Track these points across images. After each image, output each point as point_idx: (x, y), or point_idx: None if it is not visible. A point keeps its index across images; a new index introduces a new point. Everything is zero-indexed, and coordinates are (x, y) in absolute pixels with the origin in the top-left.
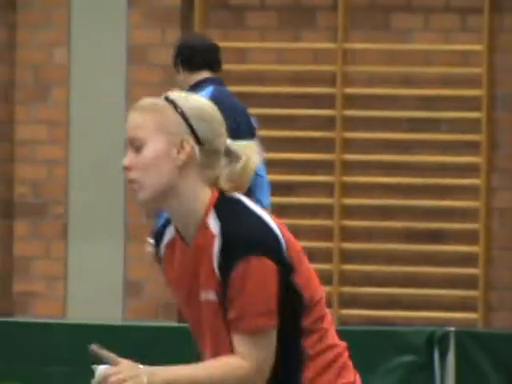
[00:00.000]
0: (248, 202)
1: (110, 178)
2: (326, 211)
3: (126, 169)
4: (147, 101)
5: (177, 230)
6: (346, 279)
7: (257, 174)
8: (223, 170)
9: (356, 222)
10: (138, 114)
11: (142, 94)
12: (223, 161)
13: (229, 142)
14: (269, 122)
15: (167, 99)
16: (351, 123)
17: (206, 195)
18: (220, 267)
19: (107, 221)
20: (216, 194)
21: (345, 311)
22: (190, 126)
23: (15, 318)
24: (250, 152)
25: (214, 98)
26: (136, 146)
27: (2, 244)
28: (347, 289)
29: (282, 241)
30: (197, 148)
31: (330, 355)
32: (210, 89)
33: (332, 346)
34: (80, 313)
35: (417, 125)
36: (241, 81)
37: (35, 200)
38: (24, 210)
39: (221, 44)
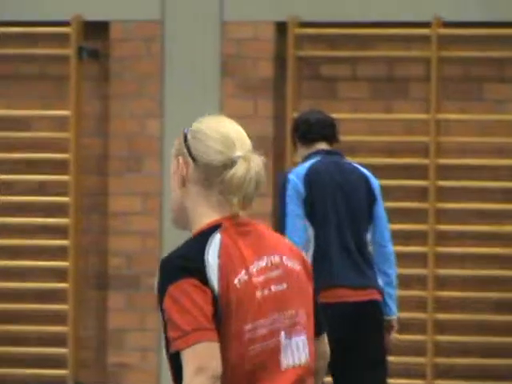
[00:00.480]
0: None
1: None
2: (419, 282)
3: None
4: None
5: None
6: (441, 350)
7: (380, 245)
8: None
9: (450, 292)
10: None
11: None
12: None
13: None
14: None
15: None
16: (444, 193)
17: (208, 219)
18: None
19: None
20: (215, 222)
21: (439, 382)
22: (186, 145)
23: None
24: (249, 161)
25: (309, 171)
26: None
27: (97, 315)
28: (441, 360)
29: (212, 268)
30: (191, 164)
31: None
32: (312, 160)
33: None
34: None
35: (510, 195)
36: None
37: (129, 272)
38: (118, 281)
39: None
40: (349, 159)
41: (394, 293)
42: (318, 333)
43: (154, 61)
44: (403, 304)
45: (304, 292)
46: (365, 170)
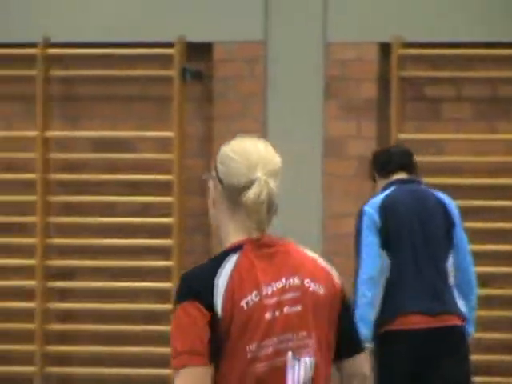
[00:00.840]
0: (248, 251)
1: None
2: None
3: None
4: None
5: None
6: None
7: (462, 269)
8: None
9: None
10: None
11: (337, 186)
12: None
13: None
14: (468, 213)
15: None
16: None
17: (234, 239)
18: None
19: None
20: (238, 243)
21: None
22: (215, 168)
23: None
24: (263, 183)
25: (384, 201)
26: None
27: None
28: None
29: (220, 291)
30: (219, 186)
31: None
32: (388, 190)
33: None
34: None
35: None
36: (438, 172)
37: None
38: None
39: (417, 136)
40: (426, 185)
41: (472, 316)
42: (351, 353)
43: (257, 82)
44: (497, 326)
45: (322, 316)
46: (442, 195)
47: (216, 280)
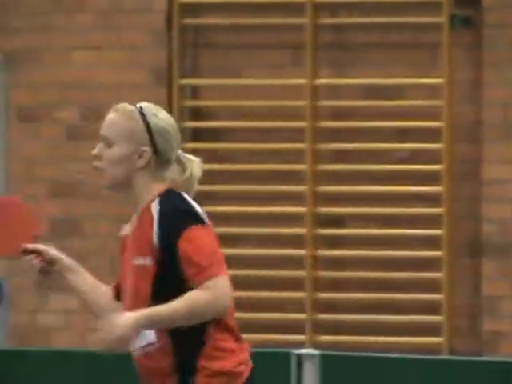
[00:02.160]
0: (186, 195)
1: None
2: None
3: (95, 157)
4: (124, 106)
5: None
6: None
7: None
8: (176, 175)
9: None
10: (115, 115)
11: None
12: (174, 167)
13: (179, 152)
14: None
15: (141, 111)
16: None
17: (156, 189)
18: (161, 239)
19: None
20: (163, 189)
21: None
22: (152, 141)
23: (484, 357)
24: (194, 164)
25: None
26: (106, 142)
27: (471, 283)
28: None
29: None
30: (153, 158)
31: None
32: None
33: None
34: None
35: None
36: None
37: (502, 239)
38: (491, 249)
39: None
40: None
41: None
42: None
43: None
44: None
45: None
46: None
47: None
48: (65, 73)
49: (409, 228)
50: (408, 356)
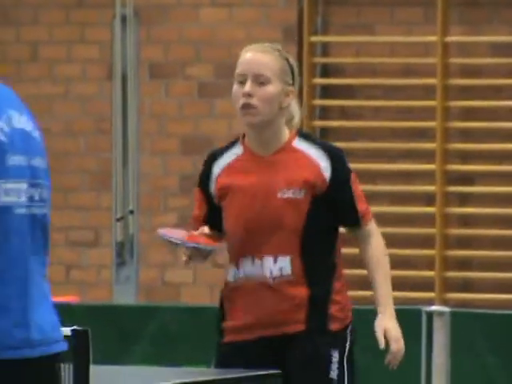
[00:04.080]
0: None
1: None
2: None
3: (249, 95)
4: (272, 46)
5: (250, 152)
6: None
7: None
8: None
9: None
10: (263, 55)
11: None
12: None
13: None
14: None
15: (280, 53)
16: None
17: (287, 130)
18: (334, 176)
19: None
20: (294, 130)
21: None
22: (294, 81)
23: None
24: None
25: None
26: (260, 81)
27: None
28: None
29: None
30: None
31: None
32: None
33: None
34: None
35: None
36: None
37: None
38: None
39: None
40: None
41: None
42: None
43: None
44: None
45: None
46: None
47: None
48: (194, 30)
49: None
50: None
